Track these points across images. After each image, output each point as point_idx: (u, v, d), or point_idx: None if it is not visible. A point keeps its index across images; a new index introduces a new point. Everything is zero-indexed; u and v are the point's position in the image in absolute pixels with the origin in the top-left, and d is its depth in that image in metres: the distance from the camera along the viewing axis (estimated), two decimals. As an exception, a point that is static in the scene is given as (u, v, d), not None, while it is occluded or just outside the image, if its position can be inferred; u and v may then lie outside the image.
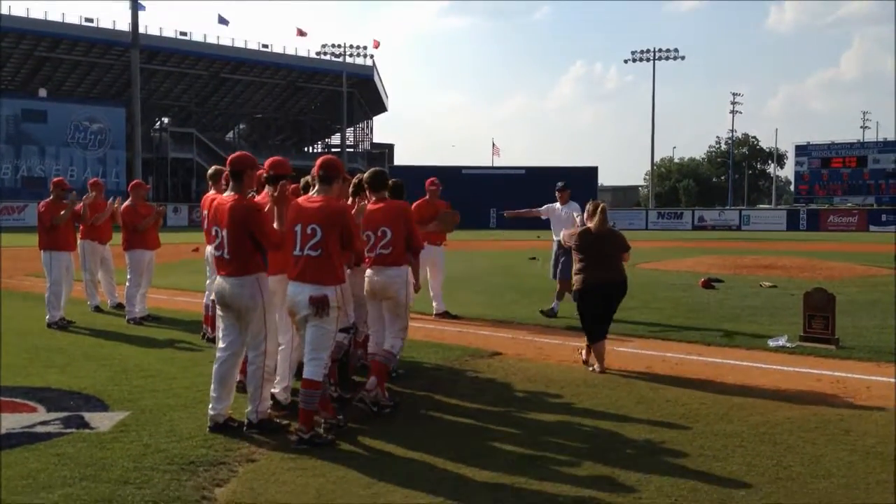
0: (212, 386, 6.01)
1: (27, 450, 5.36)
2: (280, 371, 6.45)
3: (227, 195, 5.98)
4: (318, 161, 6.05)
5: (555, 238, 12.11)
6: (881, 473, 5.08)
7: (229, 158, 6.04)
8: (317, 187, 5.97)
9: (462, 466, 5.19)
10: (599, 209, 8.35)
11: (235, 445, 5.53)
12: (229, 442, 5.59)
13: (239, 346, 6.05)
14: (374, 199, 6.93)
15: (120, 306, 12.23)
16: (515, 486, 4.86)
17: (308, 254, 5.72)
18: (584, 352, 8.46)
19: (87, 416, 6.26)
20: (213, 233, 6.01)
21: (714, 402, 6.85)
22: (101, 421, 6.10)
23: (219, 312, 6.20)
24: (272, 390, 6.33)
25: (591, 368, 8.19)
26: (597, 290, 8.18)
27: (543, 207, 12.58)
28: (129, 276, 11.55)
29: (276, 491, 4.75)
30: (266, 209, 5.96)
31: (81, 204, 11.67)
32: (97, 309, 12.50)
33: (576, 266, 8.37)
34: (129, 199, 11.74)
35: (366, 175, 7.09)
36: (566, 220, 11.84)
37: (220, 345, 6.14)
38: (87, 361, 8.46)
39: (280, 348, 6.42)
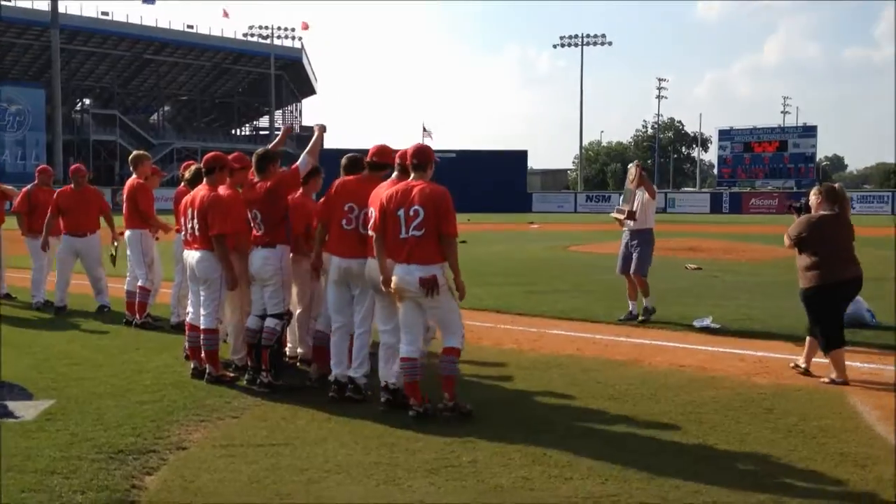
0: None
1: (-53, 442, 5.20)
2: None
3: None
4: (411, 150, 6.08)
5: None
6: (802, 451, 5.24)
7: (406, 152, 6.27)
8: (413, 174, 6.00)
9: (396, 452, 5.19)
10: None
11: (165, 433, 5.44)
12: (159, 430, 5.49)
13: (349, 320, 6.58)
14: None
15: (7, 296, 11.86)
16: (449, 467, 4.88)
17: (413, 234, 5.82)
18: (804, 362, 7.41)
19: (11, 404, 6.10)
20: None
21: (642, 383, 6.98)
22: (26, 410, 5.94)
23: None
24: None
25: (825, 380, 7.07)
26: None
27: None
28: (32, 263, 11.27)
29: (207, 478, 4.69)
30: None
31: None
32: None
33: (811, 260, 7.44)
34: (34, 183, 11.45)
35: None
36: None
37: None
38: (8, 349, 8.20)
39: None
